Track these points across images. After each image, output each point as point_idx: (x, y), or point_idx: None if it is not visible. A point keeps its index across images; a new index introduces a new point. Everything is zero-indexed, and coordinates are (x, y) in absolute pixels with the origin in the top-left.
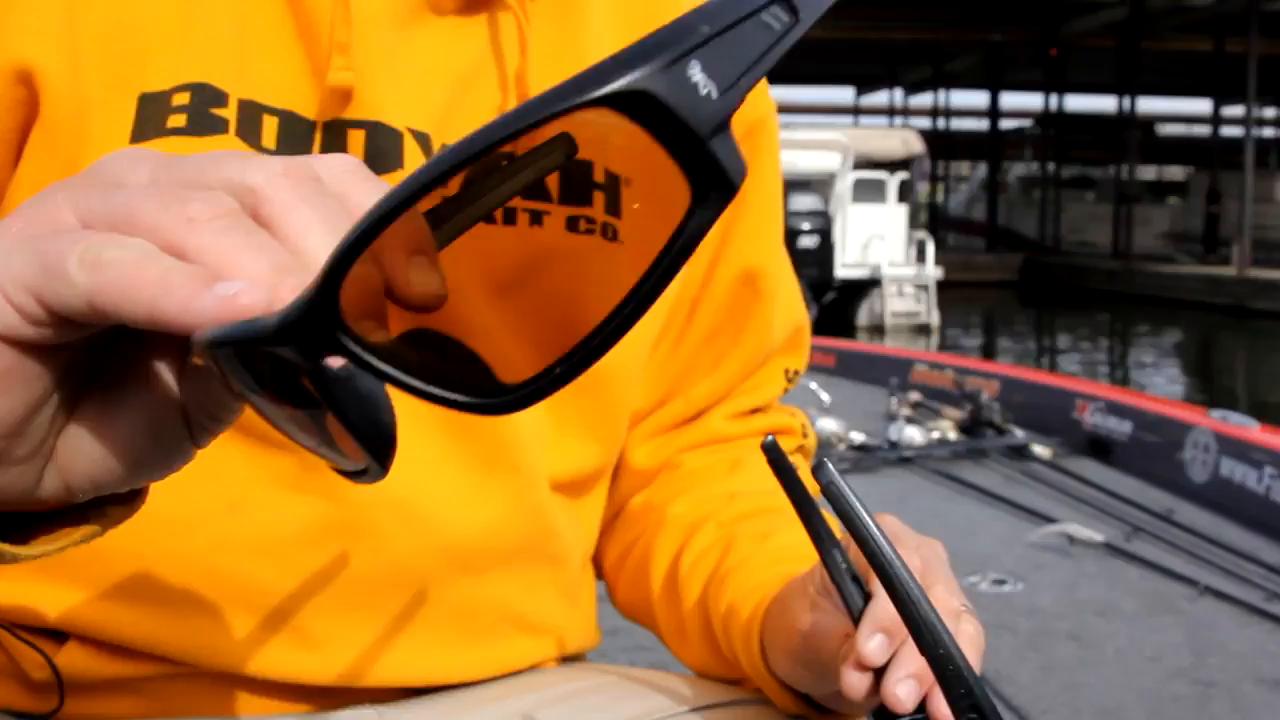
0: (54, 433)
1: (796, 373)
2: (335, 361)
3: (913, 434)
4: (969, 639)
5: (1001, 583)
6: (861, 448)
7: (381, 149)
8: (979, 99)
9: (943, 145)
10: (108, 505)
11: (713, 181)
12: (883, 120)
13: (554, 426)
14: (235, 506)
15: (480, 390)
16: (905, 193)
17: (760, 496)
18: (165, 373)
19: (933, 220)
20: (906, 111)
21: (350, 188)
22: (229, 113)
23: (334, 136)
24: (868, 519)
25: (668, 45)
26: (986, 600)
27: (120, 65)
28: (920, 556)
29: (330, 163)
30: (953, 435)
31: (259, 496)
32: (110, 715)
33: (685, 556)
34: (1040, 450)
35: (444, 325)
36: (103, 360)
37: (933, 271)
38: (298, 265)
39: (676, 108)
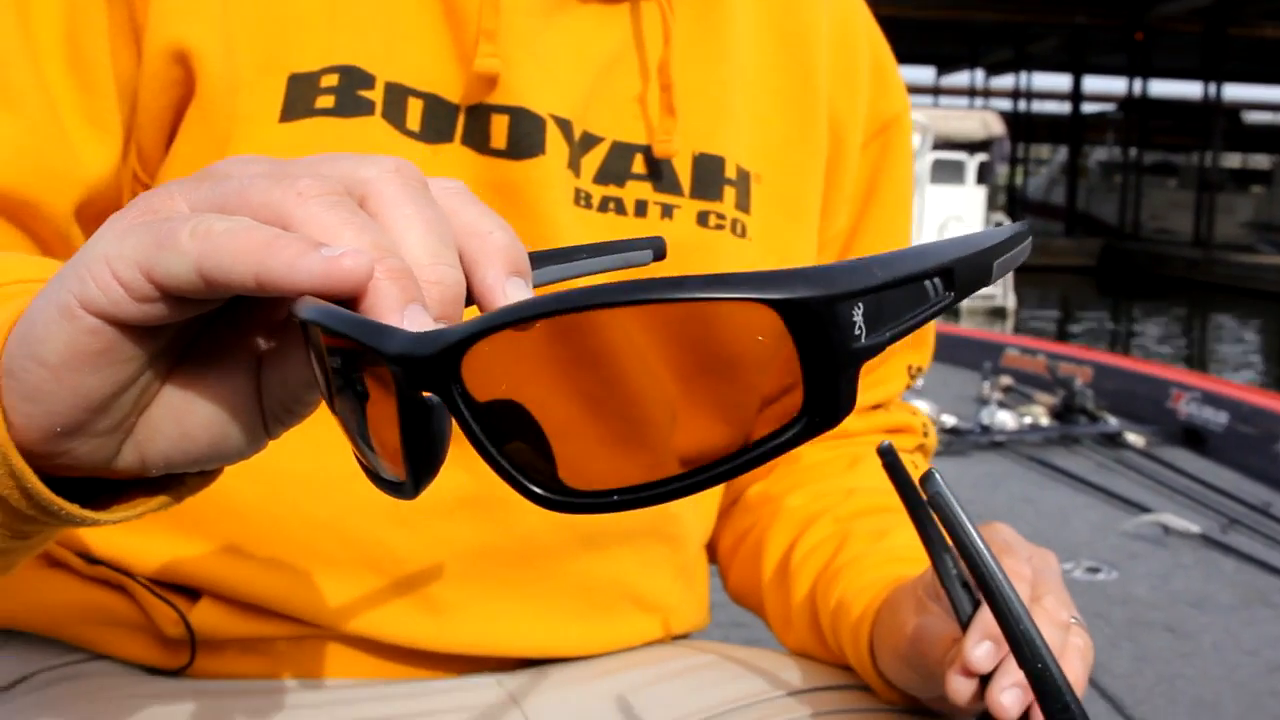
0: (136, 411)
1: (919, 369)
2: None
3: (1005, 418)
4: (1077, 652)
5: (1095, 571)
6: (953, 431)
7: (524, 134)
8: (1061, 82)
9: (1023, 128)
10: (186, 475)
11: (823, 408)
12: (963, 101)
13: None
14: None
15: (538, 478)
16: (984, 175)
17: (878, 495)
18: (247, 363)
19: (1011, 203)
20: (987, 93)
21: (460, 206)
22: (376, 95)
23: (478, 121)
24: (973, 531)
25: (845, 279)
26: (1080, 588)
27: (271, 46)
28: (1032, 567)
29: (440, 182)
30: (1045, 421)
31: None
32: (237, 674)
33: (799, 549)
34: (1133, 438)
35: (533, 403)
36: (189, 348)
37: None
38: (397, 254)
39: (831, 335)
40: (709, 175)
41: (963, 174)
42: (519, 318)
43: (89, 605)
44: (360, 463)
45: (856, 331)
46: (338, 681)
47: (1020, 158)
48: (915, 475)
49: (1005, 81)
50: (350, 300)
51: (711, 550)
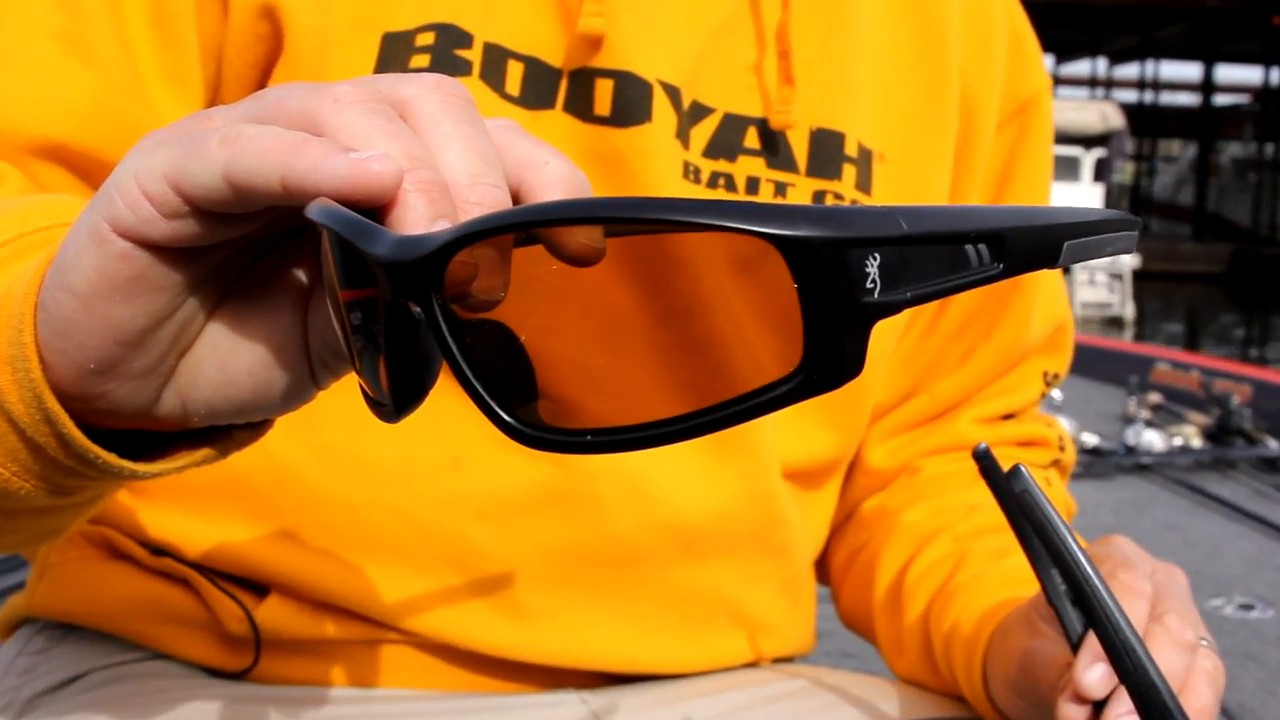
0: (175, 353)
1: (1056, 376)
2: (415, 306)
3: (1152, 439)
4: (1205, 676)
5: (1249, 608)
6: (1094, 451)
7: (629, 99)
8: (1191, 71)
9: (1149, 121)
10: (234, 429)
11: (823, 366)
12: (1083, 92)
13: (791, 410)
14: (459, 463)
15: (514, 409)
16: (1102, 172)
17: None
18: (292, 302)
19: (1134, 204)
20: (1110, 83)
21: (513, 141)
22: (473, 55)
23: (580, 85)
24: (1065, 532)
25: (861, 224)
26: (1231, 626)
27: (365, 3)
28: (1155, 582)
29: (494, 120)
30: (1196, 442)
31: (483, 454)
32: (302, 680)
33: (914, 568)
34: None
35: (541, 337)
36: (233, 287)
37: (1128, 259)
38: (432, 167)
39: (836, 283)
40: (827, 152)
41: (1078, 170)
42: (505, 223)
43: (150, 599)
44: (361, 385)
45: (869, 284)
46: (410, 692)
47: (1146, 154)
48: (1049, 493)
49: (1130, 71)
50: (378, 212)
51: (823, 569)
